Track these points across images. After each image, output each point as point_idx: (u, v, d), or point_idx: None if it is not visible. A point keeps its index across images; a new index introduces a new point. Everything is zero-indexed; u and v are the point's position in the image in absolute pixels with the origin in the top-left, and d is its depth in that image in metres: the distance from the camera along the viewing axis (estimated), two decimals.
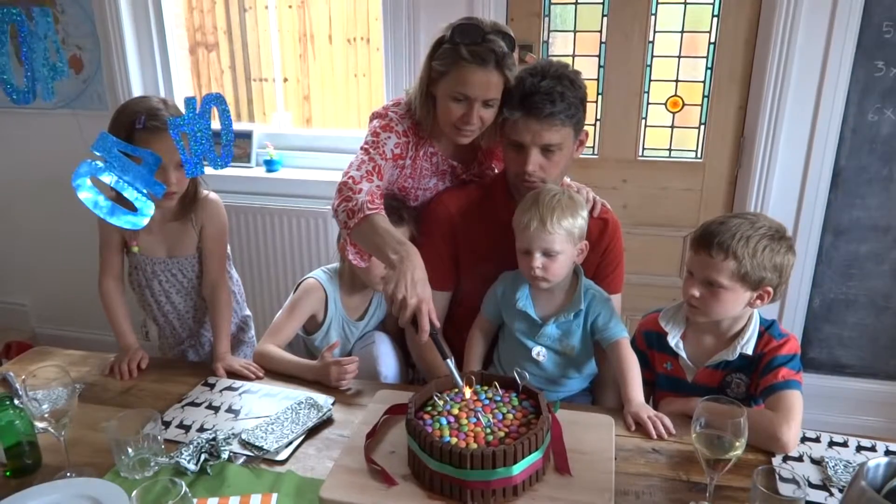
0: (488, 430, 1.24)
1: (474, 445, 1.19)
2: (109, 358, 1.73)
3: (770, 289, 1.47)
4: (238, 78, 3.44)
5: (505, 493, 1.18)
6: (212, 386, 1.60)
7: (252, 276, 2.97)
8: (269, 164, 2.94)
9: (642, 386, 1.56)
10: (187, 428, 1.43)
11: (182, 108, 1.39)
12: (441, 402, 1.31)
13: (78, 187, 1.30)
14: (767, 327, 1.53)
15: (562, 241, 1.55)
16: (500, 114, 1.62)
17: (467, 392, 1.32)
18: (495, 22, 1.61)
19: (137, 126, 1.57)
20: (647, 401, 1.57)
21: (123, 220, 1.34)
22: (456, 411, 1.29)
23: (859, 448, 1.41)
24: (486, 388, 1.37)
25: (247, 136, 3.02)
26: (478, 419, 1.26)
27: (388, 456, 1.31)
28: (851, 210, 2.55)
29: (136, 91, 2.95)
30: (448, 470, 1.17)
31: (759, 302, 1.49)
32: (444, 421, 1.26)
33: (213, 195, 1.81)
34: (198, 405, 1.52)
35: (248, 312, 2.02)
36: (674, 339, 1.58)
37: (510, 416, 1.28)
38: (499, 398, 1.34)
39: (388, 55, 2.70)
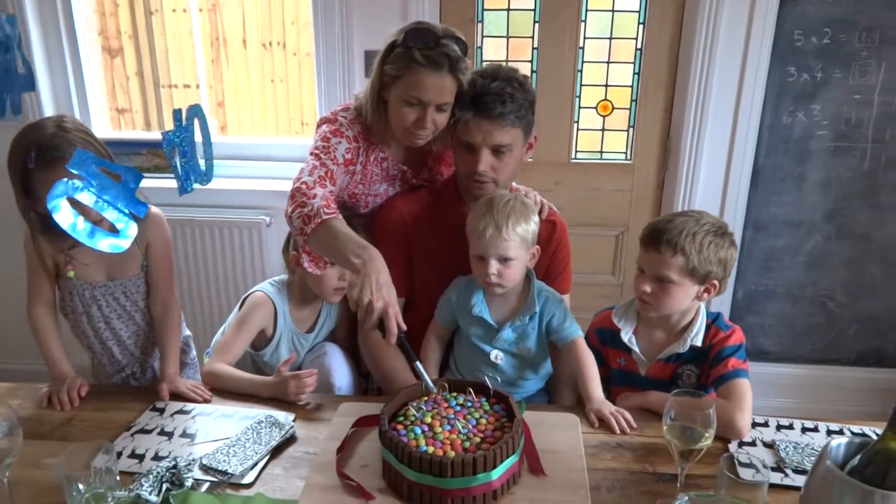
0: (464, 437, 1.23)
1: (452, 453, 1.18)
2: (41, 388, 1.60)
3: (716, 282, 1.54)
4: (146, 84, 3.29)
5: (485, 498, 1.18)
6: (161, 411, 1.51)
7: (181, 294, 2.83)
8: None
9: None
10: (140, 457, 1.34)
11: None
12: (413, 412, 1.30)
13: (54, 209, 1.20)
14: (714, 319, 1.60)
15: (517, 247, 1.56)
16: (451, 115, 1.62)
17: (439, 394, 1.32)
18: (447, 27, 1.60)
19: (30, 166, 1.42)
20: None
21: (106, 244, 1.25)
22: (429, 420, 1.27)
23: (804, 429, 1.49)
24: (454, 394, 1.37)
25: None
26: (452, 426, 1.25)
27: (361, 470, 1.28)
28: (769, 207, 2.71)
29: (46, 101, 2.76)
30: (428, 479, 1.16)
31: (706, 295, 1.56)
32: (418, 430, 1.24)
33: (154, 209, 1.69)
34: (149, 432, 1.43)
35: (188, 333, 1.92)
36: (626, 335, 1.62)
37: (483, 420, 1.28)
38: (469, 404, 1.34)
39: (319, 63, 2.65)
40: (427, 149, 1.74)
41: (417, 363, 1.36)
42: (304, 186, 1.50)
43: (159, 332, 1.70)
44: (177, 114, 1.26)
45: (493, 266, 1.56)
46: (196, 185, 1.38)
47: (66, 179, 1.19)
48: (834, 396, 2.90)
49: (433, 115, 1.57)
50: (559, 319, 1.65)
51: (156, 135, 3.12)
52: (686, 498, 0.95)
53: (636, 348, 1.62)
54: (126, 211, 1.27)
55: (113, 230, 1.39)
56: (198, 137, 2.48)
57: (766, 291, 2.84)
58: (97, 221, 1.37)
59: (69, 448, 1.20)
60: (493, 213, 1.55)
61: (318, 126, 1.70)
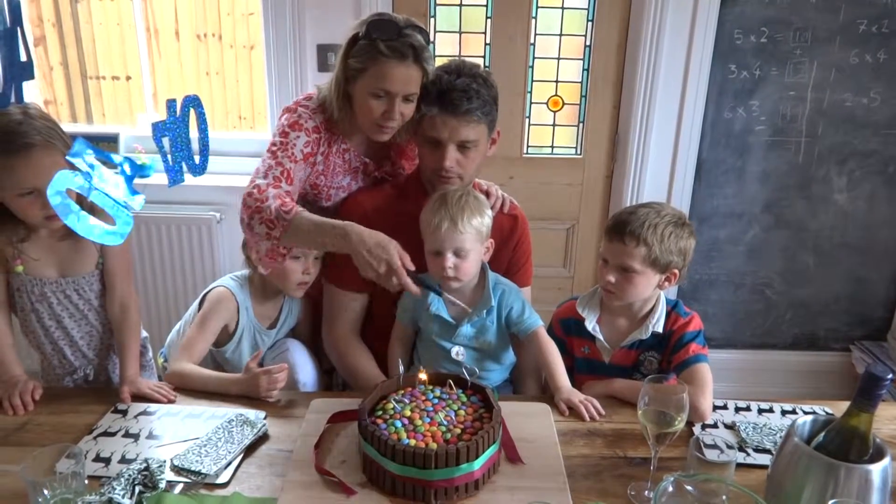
0: (445, 429, 1.24)
1: (434, 445, 1.19)
2: None
3: (676, 271, 1.60)
4: (72, 75, 3.14)
5: (467, 488, 1.19)
6: (123, 412, 1.46)
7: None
8: (141, 170, 2.72)
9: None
10: (106, 460, 1.29)
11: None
12: (391, 405, 1.29)
13: (53, 201, 1.13)
14: (673, 307, 1.66)
15: (472, 240, 1.57)
16: (416, 110, 1.62)
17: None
18: (407, 17, 1.60)
19: None
20: None
21: (104, 236, 1.19)
22: (409, 413, 1.27)
23: (760, 411, 1.57)
24: (431, 387, 1.37)
25: (112, 139, 2.78)
26: (432, 419, 1.26)
27: (340, 465, 1.27)
28: (712, 199, 2.82)
29: None
30: (412, 472, 1.16)
31: (667, 284, 1.61)
32: (398, 424, 1.24)
33: None
34: (112, 434, 1.37)
35: (145, 334, 1.85)
36: (591, 324, 1.66)
37: (462, 412, 1.30)
38: (447, 396, 1.35)
39: (269, 56, 2.61)
40: (390, 141, 1.73)
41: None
42: (255, 191, 1.49)
43: (118, 333, 1.63)
44: (170, 104, 1.22)
45: (450, 260, 1.57)
46: (182, 179, 1.37)
47: (65, 170, 1.13)
48: (772, 379, 3.06)
49: (400, 107, 1.56)
50: (518, 311, 1.67)
51: (84, 128, 3.00)
52: (672, 479, 0.99)
53: (600, 336, 1.66)
54: (123, 202, 1.22)
55: (110, 221, 1.35)
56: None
57: (709, 280, 2.96)
58: (92, 212, 1.32)
59: (34, 453, 1.15)
60: (448, 207, 1.55)
61: (280, 115, 1.67)
